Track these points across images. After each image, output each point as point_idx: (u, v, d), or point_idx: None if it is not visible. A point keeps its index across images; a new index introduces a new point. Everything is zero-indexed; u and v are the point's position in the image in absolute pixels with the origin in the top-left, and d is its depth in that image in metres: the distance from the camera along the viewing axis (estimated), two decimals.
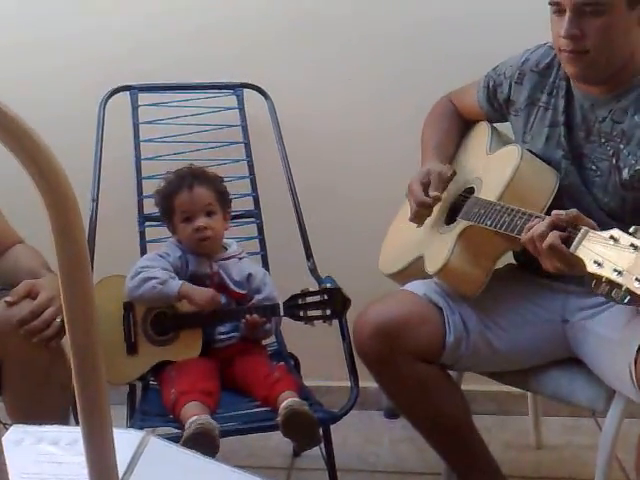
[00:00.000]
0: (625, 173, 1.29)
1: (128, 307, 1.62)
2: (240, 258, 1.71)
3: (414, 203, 1.43)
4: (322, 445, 1.56)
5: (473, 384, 1.71)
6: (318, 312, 1.55)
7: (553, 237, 1.13)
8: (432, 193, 1.41)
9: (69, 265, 0.53)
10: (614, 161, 1.31)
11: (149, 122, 1.93)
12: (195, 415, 1.39)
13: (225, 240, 1.72)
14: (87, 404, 0.55)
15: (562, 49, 1.28)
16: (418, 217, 1.44)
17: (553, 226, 1.15)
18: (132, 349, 1.61)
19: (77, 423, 0.57)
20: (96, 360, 0.55)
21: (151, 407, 1.56)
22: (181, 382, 1.50)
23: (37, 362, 1.36)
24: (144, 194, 1.88)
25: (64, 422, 1.44)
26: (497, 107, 1.52)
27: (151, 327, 1.62)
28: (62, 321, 1.30)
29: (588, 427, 1.95)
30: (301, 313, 1.56)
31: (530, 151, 1.40)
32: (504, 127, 1.58)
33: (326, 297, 1.55)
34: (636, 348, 1.20)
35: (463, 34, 1.88)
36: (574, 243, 1.10)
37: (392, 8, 1.93)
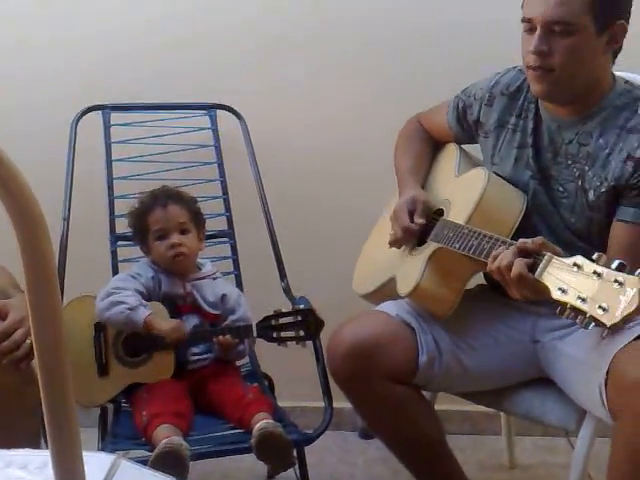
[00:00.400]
0: (591, 195, 1.32)
1: (99, 328, 1.60)
2: (214, 278, 1.71)
3: (399, 229, 1.45)
4: (296, 467, 1.55)
5: (447, 404, 1.71)
6: (291, 333, 1.55)
7: (520, 266, 1.14)
8: (417, 220, 1.43)
9: (37, 285, 0.52)
10: (580, 183, 1.33)
11: (121, 141, 1.92)
12: (167, 437, 1.38)
13: (199, 260, 1.71)
14: (56, 427, 0.54)
15: (529, 65, 1.30)
16: (400, 242, 1.46)
17: (519, 255, 1.16)
18: (103, 371, 1.58)
19: (47, 446, 0.56)
20: (65, 382, 0.54)
21: (123, 430, 1.54)
22: (153, 404, 1.48)
23: (7, 384, 1.34)
24: (116, 213, 1.87)
25: (35, 445, 1.41)
26: (467, 128, 1.54)
27: (123, 348, 1.60)
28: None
29: (561, 446, 1.95)
30: (274, 334, 1.56)
31: (498, 173, 1.43)
32: (473, 148, 1.59)
33: (299, 318, 1.55)
34: (606, 370, 1.21)
35: (437, 50, 1.91)
36: (538, 269, 1.11)
37: (363, 28, 1.95)
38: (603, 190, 1.29)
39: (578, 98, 1.32)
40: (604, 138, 1.30)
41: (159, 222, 1.63)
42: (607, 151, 1.29)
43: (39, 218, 0.52)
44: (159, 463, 1.32)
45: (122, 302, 1.55)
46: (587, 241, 1.34)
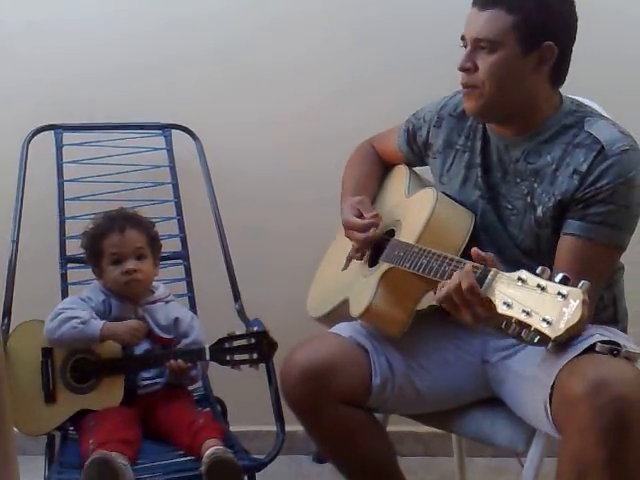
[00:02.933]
0: (539, 211, 1.34)
1: (47, 353, 1.56)
2: (167, 301, 1.69)
3: (358, 232, 1.45)
4: None
5: (399, 425, 1.71)
6: (245, 356, 1.54)
7: (469, 279, 1.15)
8: (367, 214, 1.44)
9: None
10: (529, 199, 1.36)
11: (74, 162, 1.90)
12: None
13: (152, 283, 1.69)
14: None
15: (461, 84, 1.34)
16: (366, 244, 1.46)
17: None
18: (50, 398, 1.55)
19: None
20: (3, 411, 0.53)
21: (70, 458, 1.50)
22: (99, 432, 1.45)
23: None
24: (67, 235, 1.83)
25: None
26: (416, 150, 1.57)
27: (71, 374, 1.56)
28: None
29: (512, 467, 1.95)
30: (227, 357, 1.55)
31: (446, 193, 1.45)
32: (422, 170, 1.62)
33: (253, 341, 1.54)
34: (550, 384, 1.22)
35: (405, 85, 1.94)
36: (484, 285, 1.12)
37: (325, 55, 1.98)
38: (550, 205, 1.32)
39: (515, 117, 1.34)
40: (551, 155, 1.33)
41: (115, 246, 1.61)
42: (554, 167, 1.32)
43: None
44: (89, 473, 1.30)
45: (73, 317, 1.53)
46: (536, 259, 1.35)
